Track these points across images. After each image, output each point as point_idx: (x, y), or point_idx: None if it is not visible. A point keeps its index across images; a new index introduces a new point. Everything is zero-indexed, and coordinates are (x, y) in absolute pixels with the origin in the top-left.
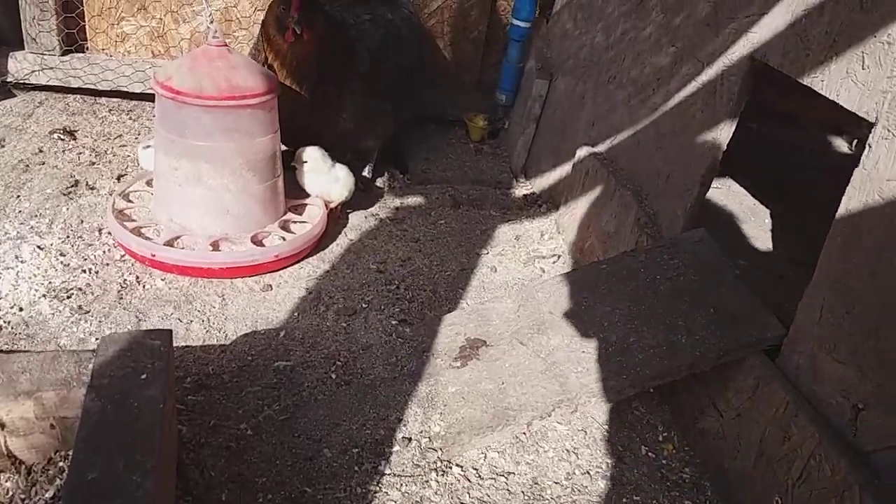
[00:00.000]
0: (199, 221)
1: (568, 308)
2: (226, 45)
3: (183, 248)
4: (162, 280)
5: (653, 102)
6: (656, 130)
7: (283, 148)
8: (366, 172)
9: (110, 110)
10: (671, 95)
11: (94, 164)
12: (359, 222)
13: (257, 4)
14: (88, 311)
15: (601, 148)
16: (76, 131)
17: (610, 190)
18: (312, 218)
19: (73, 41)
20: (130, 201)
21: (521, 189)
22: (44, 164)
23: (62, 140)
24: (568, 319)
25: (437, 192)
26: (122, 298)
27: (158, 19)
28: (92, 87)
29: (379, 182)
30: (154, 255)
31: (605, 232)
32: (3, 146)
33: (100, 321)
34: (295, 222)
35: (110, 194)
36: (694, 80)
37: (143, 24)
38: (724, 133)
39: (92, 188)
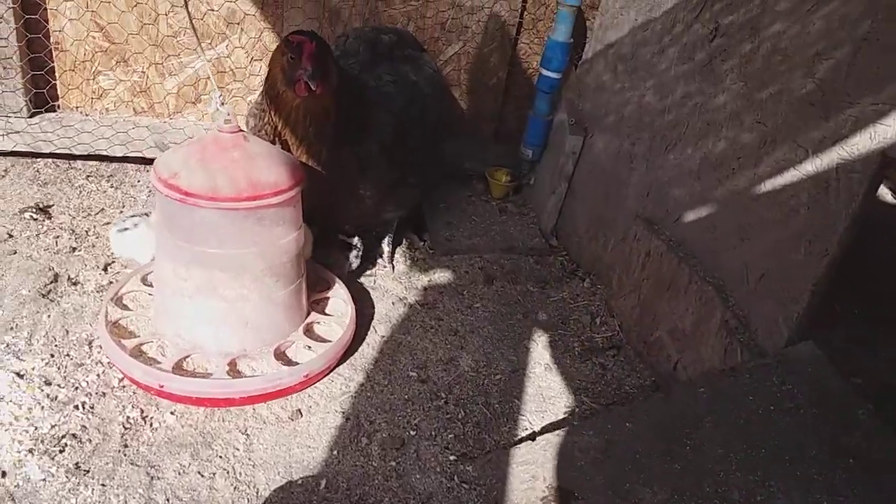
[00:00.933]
0: (214, 337)
1: (668, 448)
2: (241, 132)
3: (195, 373)
4: (172, 414)
5: (733, 184)
6: (739, 218)
7: None
8: (385, 246)
9: (88, 177)
10: (760, 180)
11: (74, 249)
12: (387, 310)
13: (253, 54)
14: (88, 471)
15: (662, 224)
16: (50, 207)
17: (683, 280)
18: (339, 315)
19: (43, 101)
20: (125, 307)
21: (557, 257)
22: (15, 253)
23: (35, 220)
24: (672, 465)
25: (466, 263)
26: (126, 446)
27: (140, 73)
28: (66, 151)
29: (399, 254)
30: (162, 387)
31: (678, 328)
32: None
33: (103, 485)
34: (319, 323)
35: (98, 292)
36: (793, 168)
37: (124, 79)
38: (842, 235)
39: (75, 283)
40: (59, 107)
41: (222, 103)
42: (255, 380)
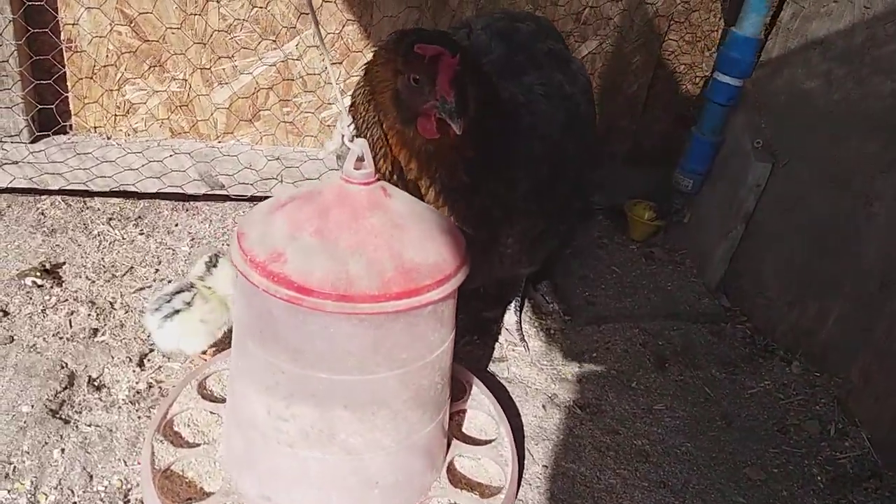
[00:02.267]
0: None
1: None
2: (378, 181)
3: None
4: None
5: None
6: None
7: None
8: (511, 313)
9: (110, 220)
10: None
11: (96, 332)
12: (538, 420)
13: (333, 56)
14: None
15: None
16: (60, 266)
17: None
18: (487, 440)
19: (51, 120)
20: (178, 438)
21: (735, 323)
22: (12, 341)
23: (39, 287)
24: None
25: (621, 337)
26: None
27: (181, 80)
28: (81, 186)
29: (525, 323)
30: None
31: None
32: None
33: None
34: (463, 457)
35: (133, 404)
36: None
37: (159, 89)
38: None
39: (98, 387)
40: (71, 127)
41: (353, 137)
42: None
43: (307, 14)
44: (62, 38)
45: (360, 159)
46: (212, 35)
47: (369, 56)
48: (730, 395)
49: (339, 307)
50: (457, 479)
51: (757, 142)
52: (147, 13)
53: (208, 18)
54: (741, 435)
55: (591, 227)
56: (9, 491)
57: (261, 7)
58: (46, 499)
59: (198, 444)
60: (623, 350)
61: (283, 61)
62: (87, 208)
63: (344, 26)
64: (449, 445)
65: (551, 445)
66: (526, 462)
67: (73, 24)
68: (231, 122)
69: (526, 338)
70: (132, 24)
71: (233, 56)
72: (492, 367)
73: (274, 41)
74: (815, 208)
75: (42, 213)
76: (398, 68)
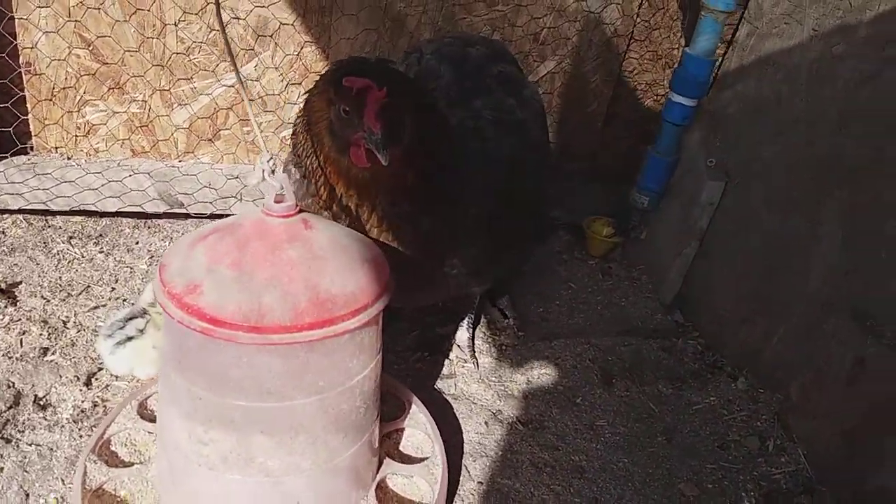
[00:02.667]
0: None
1: None
2: (300, 213)
3: None
4: None
5: None
6: None
7: None
8: (464, 330)
9: (70, 238)
10: None
11: (46, 351)
12: (479, 436)
13: (290, 76)
14: None
15: (888, 321)
16: (16, 286)
17: None
18: (422, 458)
19: (11, 141)
20: (114, 458)
21: (687, 340)
22: None
23: None
24: None
25: (571, 353)
26: None
27: (141, 102)
28: (41, 206)
29: (479, 339)
30: None
31: None
32: None
33: None
34: (396, 476)
35: (77, 423)
36: None
37: (119, 111)
38: None
39: (44, 406)
40: (32, 148)
41: (273, 170)
42: None
43: (265, 36)
44: (20, 61)
45: (280, 196)
46: (170, 57)
47: None
48: (674, 411)
49: (250, 338)
50: (388, 497)
51: (710, 161)
52: (105, 36)
53: (166, 41)
54: (680, 451)
55: (551, 243)
56: None
57: (218, 30)
58: None
59: (132, 464)
60: (572, 366)
61: (244, 80)
62: (49, 227)
63: (302, 48)
64: (381, 464)
65: (489, 462)
66: (462, 478)
67: (32, 48)
68: (192, 141)
69: (477, 354)
70: (90, 48)
71: (192, 77)
72: (439, 384)
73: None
74: (765, 228)
75: (2, 232)
76: (331, 98)
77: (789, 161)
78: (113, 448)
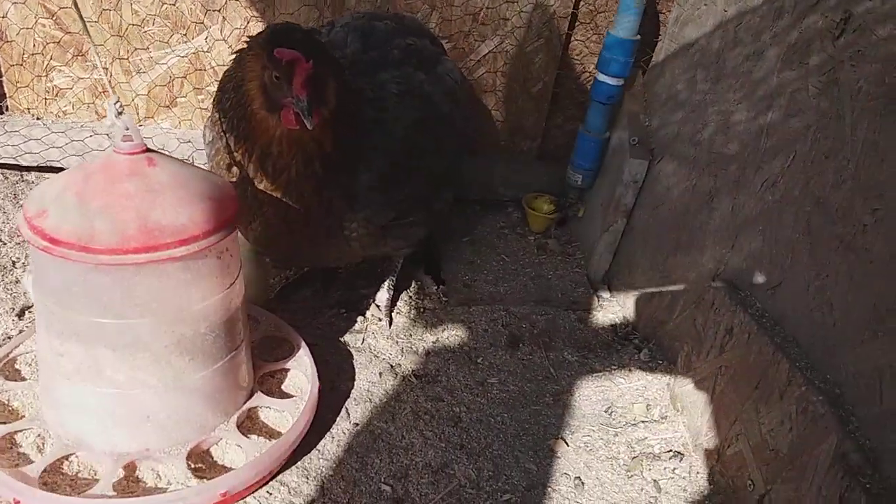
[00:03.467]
0: (103, 434)
1: None
2: (146, 151)
3: (77, 479)
4: None
5: (868, 242)
6: (875, 299)
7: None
8: (383, 291)
9: None
10: None
11: None
12: (370, 384)
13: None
14: None
15: (753, 290)
16: None
17: (779, 378)
18: (297, 397)
19: None
20: (16, 374)
21: (606, 313)
22: None
23: None
24: None
25: (486, 318)
26: None
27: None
28: (12, 161)
29: (402, 302)
30: (19, 503)
31: (766, 444)
32: None
33: None
34: (269, 409)
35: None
36: None
37: (82, 76)
38: None
39: None
40: (6, 108)
41: (119, 113)
42: (146, 500)
43: (214, 11)
44: None
45: (127, 137)
46: (126, 29)
47: None
48: (571, 377)
49: (81, 257)
50: (256, 427)
51: (633, 139)
52: (66, 7)
53: (122, 13)
54: (563, 411)
55: (496, 219)
56: None
57: (170, 4)
58: None
59: (26, 380)
60: (483, 330)
61: (193, 53)
62: (23, 181)
63: (248, 22)
64: (251, 397)
65: (371, 407)
66: (339, 419)
67: (3, 17)
68: (151, 107)
69: (394, 314)
70: (54, 18)
71: (148, 48)
72: (348, 338)
73: (184, 35)
74: (675, 204)
75: None
76: (264, 63)
77: (693, 141)
78: (17, 367)
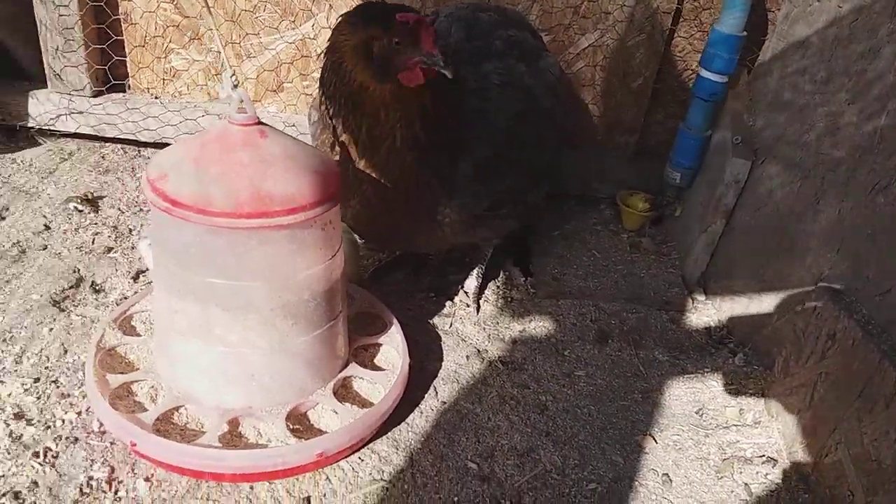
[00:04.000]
0: (211, 389)
1: None
2: (258, 124)
3: (185, 430)
4: (146, 481)
5: None
6: None
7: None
8: (471, 279)
9: None
10: None
11: (110, 250)
12: (457, 366)
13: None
14: None
15: (859, 296)
16: (102, 198)
17: (886, 387)
18: (389, 371)
19: (109, 79)
20: (132, 330)
21: (701, 315)
22: (45, 248)
23: (79, 212)
24: None
25: (575, 312)
26: None
27: (216, 52)
28: (132, 137)
29: (490, 291)
30: (135, 445)
31: (868, 454)
32: (2, 218)
33: None
34: (362, 379)
35: (119, 305)
36: None
37: (197, 59)
38: None
39: (98, 290)
40: (129, 87)
41: (235, 86)
42: (250, 453)
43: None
44: (120, 11)
45: (242, 110)
46: (240, 14)
47: None
48: (661, 376)
49: (198, 219)
50: (350, 395)
51: (736, 138)
52: None
53: (236, 0)
54: (653, 409)
55: (589, 215)
56: (2, 351)
57: None
58: (28, 360)
59: (141, 336)
60: (571, 323)
61: (300, 39)
62: (140, 156)
63: None
64: (346, 366)
65: (458, 387)
66: (427, 396)
67: (129, 1)
68: (259, 91)
69: (482, 302)
70: (175, 3)
71: (258, 33)
72: (436, 320)
73: (292, 21)
74: (779, 207)
75: (102, 157)
76: (372, 35)
77: (799, 142)
78: (133, 323)
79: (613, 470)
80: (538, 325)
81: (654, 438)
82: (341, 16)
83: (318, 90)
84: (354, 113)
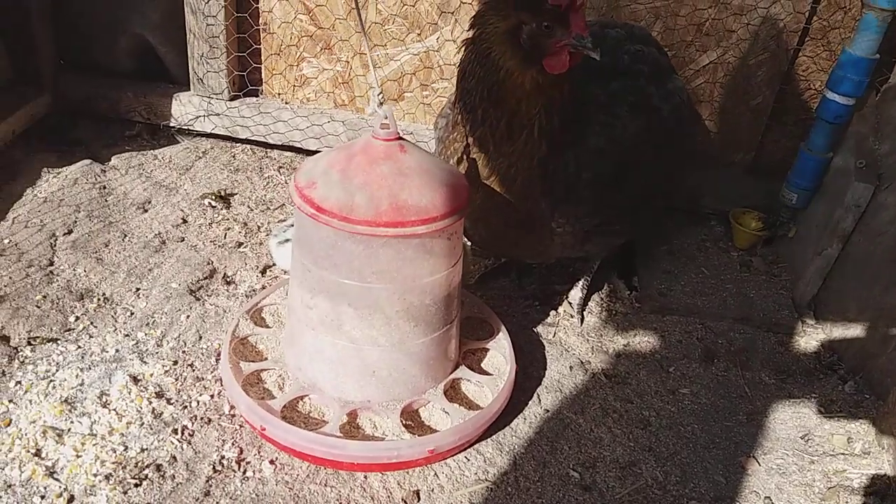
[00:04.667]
0: (334, 381)
1: None
2: (399, 139)
3: (309, 418)
4: (271, 463)
5: None
6: None
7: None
8: (577, 290)
9: (280, 168)
10: None
11: (241, 245)
12: (560, 376)
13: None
14: None
15: None
16: (233, 195)
17: None
18: (496, 376)
19: (244, 84)
20: (262, 322)
21: (810, 339)
22: (183, 240)
23: (213, 207)
24: None
25: (681, 329)
26: (208, 494)
27: (344, 62)
28: (262, 139)
29: (594, 303)
30: (265, 430)
31: None
32: (146, 210)
33: None
34: (469, 382)
35: (248, 297)
36: None
37: (327, 68)
38: None
39: (229, 282)
40: (261, 92)
41: (381, 103)
42: (369, 445)
43: (448, 13)
44: (259, 22)
45: (385, 125)
46: (370, 26)
47: None
48: (767, 398)
49: (342, 225)
50: (459, 397)
51: (860, 162)
52: (322, 5)
53: (367, 12)
54: (757, 432)
55: (698, 231)
56: (145, 335)
57: (410, 5)
58: (168, 344)
59: (271, 327)
60: (676, 340)
61: (424, 52)
62: (267, 157)
63: None
64: (456, 369)
65: (561, 396)
66: (531, 403)
67: (269, 12)
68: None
69: (586, 313)
70: (310, 14)
71: (385, 45)
72: (540, 329)
73: (419, 34)
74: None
75: (234, 156)
76: (522, 20)
77: None
78: (263, 315)
79: (715, 489)
80: (643, 340)
81: (757, 461)
82: (483, 4)
83: (455, 85)
84: (496, 103)
